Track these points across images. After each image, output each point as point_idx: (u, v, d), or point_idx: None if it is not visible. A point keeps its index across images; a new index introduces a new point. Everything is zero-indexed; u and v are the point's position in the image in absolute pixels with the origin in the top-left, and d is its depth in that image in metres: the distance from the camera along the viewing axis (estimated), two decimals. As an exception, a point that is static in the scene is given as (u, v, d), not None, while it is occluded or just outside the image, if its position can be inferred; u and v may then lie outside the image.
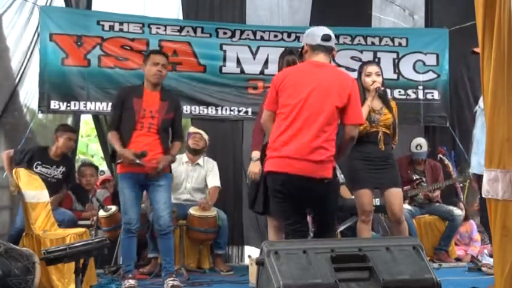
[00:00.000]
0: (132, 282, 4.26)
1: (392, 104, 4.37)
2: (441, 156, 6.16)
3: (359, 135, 4.15)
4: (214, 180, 5.56)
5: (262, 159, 3.92)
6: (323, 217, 3.51)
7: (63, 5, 6.06)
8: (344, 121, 3.40)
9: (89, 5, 6.22)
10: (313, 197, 3.35)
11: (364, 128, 4.12)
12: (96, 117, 6.31)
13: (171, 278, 4.30)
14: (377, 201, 4.81)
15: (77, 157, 6.99)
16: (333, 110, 3.33)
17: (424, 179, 5.93)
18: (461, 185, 6.08)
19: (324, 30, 3.51)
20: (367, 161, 4.17)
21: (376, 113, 4.22)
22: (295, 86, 3.37)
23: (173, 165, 5.44)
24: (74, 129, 5.59)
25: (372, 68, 4.28)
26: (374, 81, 4.20)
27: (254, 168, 4.20)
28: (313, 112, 3.31)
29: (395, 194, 4.20)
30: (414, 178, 5.91)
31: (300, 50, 3.65)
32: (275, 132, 3.39)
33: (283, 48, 6.13)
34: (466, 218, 6.01)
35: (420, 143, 5.93)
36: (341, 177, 5.43)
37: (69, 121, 6.14)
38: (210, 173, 5.59)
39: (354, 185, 4.25)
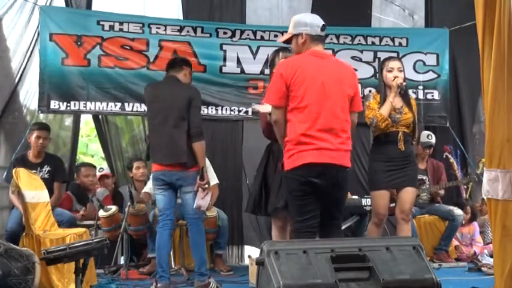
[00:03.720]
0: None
1: (412, 101, 4.33)
2: (447, 154, 6.16)
3: (380, 134, 4.17)
4: (211, 179, 5.55)
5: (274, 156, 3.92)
6: (338, 208, 3.48)
7: (64, 5, 6.06)
8: (351, 109, 3.49)
9: (89, 5, 6.22)
10: (341, 185, 3.41)
11: (386, 125, 4.10)
12: (96, 117, 6.31)
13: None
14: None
15: (77, 157, 6.98)
16: (347, 100, 3.42)
17: (426, 179, 5.93)
18: (465, 186, 6.10)
19: (319, 19, 3.52)
20: (387, 162, 4.14)
21: (397, 112, 4.15)
22: (310, 79, 3.35)
23: None
24: (44, 126, 5.40)
25: (394, 63, 4.23)
26: (396, 77, 4.16)
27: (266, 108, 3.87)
28: (334, 103, 3.35)
29: (409, 192, 4.19)
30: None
31: (289, 39, 3.54)
32: (300, 127, 3.32)
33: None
34: (471, 220, 6.02)
35: (430, 133, 6.04)
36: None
37: (69, 121, 6.14)
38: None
39: (371, 186, 4.25)
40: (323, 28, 3.48)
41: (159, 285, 4.26)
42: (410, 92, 6.34)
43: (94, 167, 5.99)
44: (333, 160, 3.33)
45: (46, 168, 5.28)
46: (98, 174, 5.93)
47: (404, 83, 4.18)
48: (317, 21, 3.49)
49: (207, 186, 4.39)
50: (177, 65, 4.61)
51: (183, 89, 4.47)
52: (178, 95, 4.37)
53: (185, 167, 4.28)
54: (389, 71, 4.18)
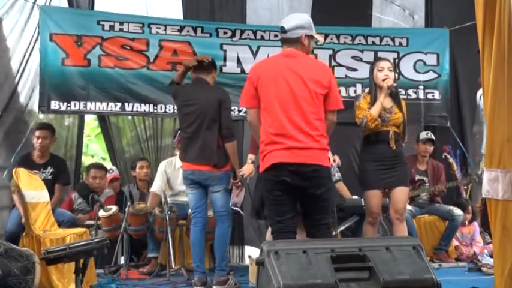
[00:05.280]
0: None
1: (402, 102, 4.35)
2: (446, 154, 6.16)
3: (370, 134, 4.17)
4: None
5: None
6: (320, 207, 3.43)
7: (66, 5, 6.06)
8: (326, 108, 3.45)
9: (91, 5, 6.22)
10: (318, 183, 3.35)
11: (376, 126, 4.11)
12: (102, 117, 6.31)
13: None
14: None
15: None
16: (317, 98, 3.37)
17: (426, 180, 5.93)
18: (465, 187, 6.10)
19: (289, 20, 3.49)
20: (377, 161, 4.15)
21: (387, 111, 4.17)
22: (276, 80, 3.38)
23: (168, 170, 5.44)
24: (44, 126, 5.38)
25: (385, 63, 4.25)
26: (386, 76, 4.17)
27: (247, 170, 4.49)
28: (301, 102, 3.35)
29: (401, 191, 4.19)
30: (416, 179, 5.90)
31: None
32: (269, 127, 3.37)
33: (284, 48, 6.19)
34: (471, 220, 6.02)
35: (428, 132, 6.08)
36: (338, 174, 5.44)
37: (69, 121, 6.13)
38: None
39: (363, 186, 4.25)
40: (281, 31, 3.46)
41: (195, 278, 4.44)
42: (410, 91, 6.41)
43: (104, 169, 5.92)
44: (306, 159, 3.32)
45: (49, 170, 5.27)
46: (108, 176, 5.90)
47: (394, 84, 4.21)
48: (283, 22, 3.49)
49: (240, 184, 4.66)
50: (208, 67, 4.68)
51: (214, 92, 4.60)
52: (210, 99, 4.49)
53: (215, 167, 4.42)
54: (380, 71, 4.21)
